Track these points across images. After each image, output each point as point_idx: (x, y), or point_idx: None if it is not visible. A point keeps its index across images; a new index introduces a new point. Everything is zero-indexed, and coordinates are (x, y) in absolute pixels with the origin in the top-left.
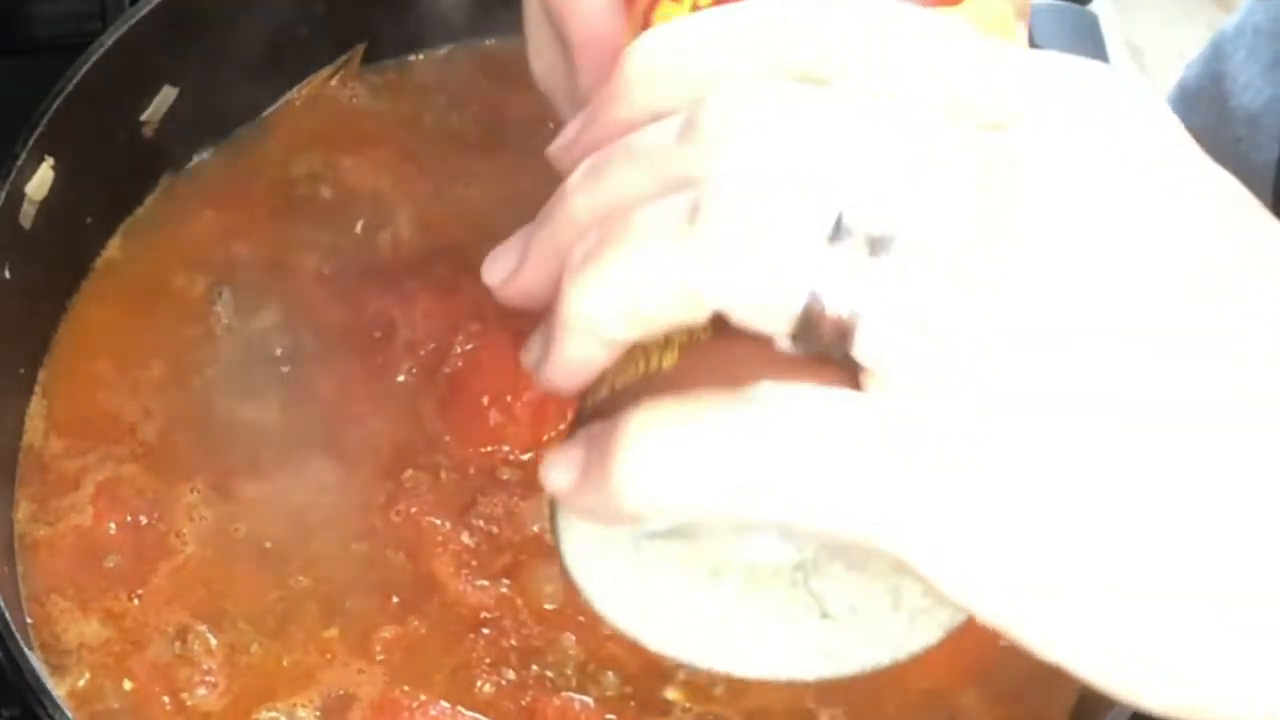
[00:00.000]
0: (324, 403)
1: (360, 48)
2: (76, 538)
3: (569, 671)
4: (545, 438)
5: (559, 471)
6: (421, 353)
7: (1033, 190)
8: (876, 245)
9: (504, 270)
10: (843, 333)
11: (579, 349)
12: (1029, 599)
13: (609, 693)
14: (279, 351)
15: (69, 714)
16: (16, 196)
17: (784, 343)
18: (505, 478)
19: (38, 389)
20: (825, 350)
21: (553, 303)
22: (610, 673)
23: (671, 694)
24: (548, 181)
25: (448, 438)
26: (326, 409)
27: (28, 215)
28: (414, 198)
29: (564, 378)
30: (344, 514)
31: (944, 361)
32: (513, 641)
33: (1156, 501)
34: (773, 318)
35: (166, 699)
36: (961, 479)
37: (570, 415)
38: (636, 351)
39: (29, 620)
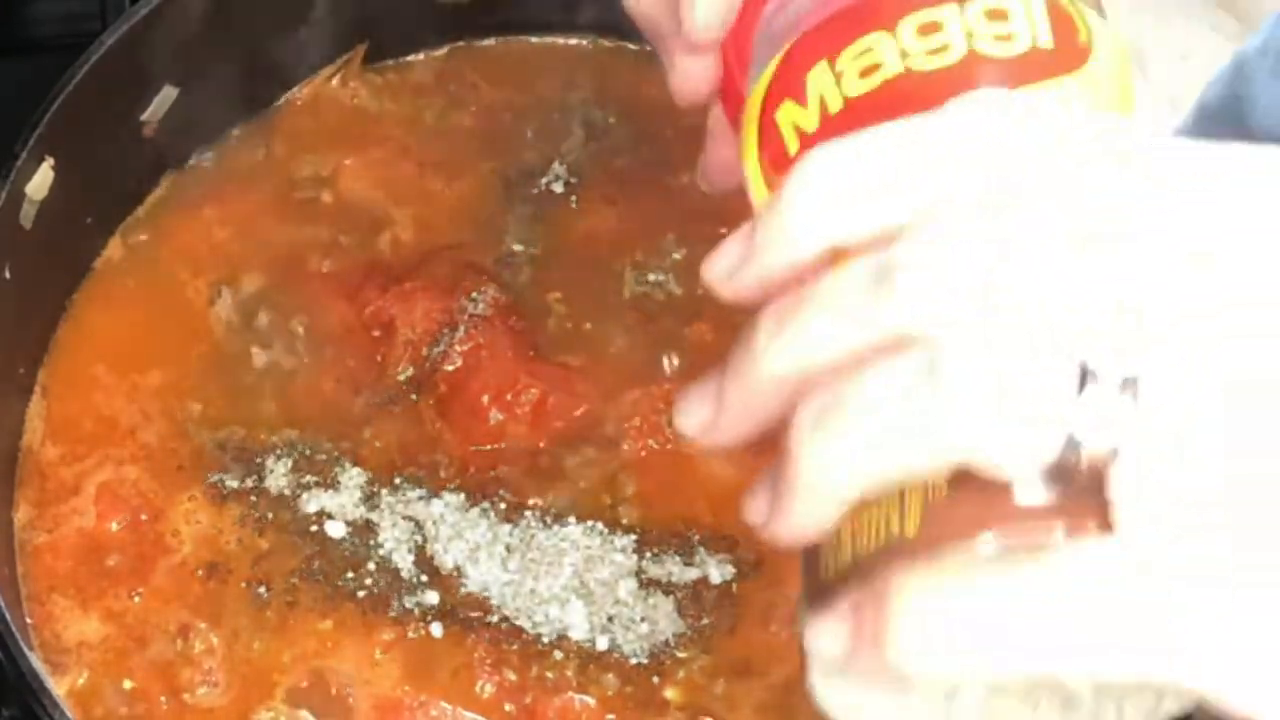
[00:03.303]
0: (324, 402)
1: (360, 48)
2: (78, 538)
3: (569, 672)
4: (543, 440)
5: (828, 640)
6: (422, 352)
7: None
8: (1127, 384)
9: (698, 422)
10: (1097, 473)
11: (813, 509)
12: None
13: (609, 693)
14: (279, 351)
15: (68, 713)
16: (16, 196)
17: (1027, 490)
18: (505, 476)
19: (37, 389)
20: (1076, 492)
21: (780, 465)
22: (610, 673)
23: (671, 694)
24: None
25: (448, 436)
26: (327, 409)
27: (28, 215)
28: (414, 198)
29: (795, 535)
30: (344, 513)
31: (1200, 486)
32: (513, 643)
33: None
34: (1025, 465)
35: (166, 697)
36: (1237, 589)
37: (803, 571)
38: (871, 509)
39: (29, 620)
